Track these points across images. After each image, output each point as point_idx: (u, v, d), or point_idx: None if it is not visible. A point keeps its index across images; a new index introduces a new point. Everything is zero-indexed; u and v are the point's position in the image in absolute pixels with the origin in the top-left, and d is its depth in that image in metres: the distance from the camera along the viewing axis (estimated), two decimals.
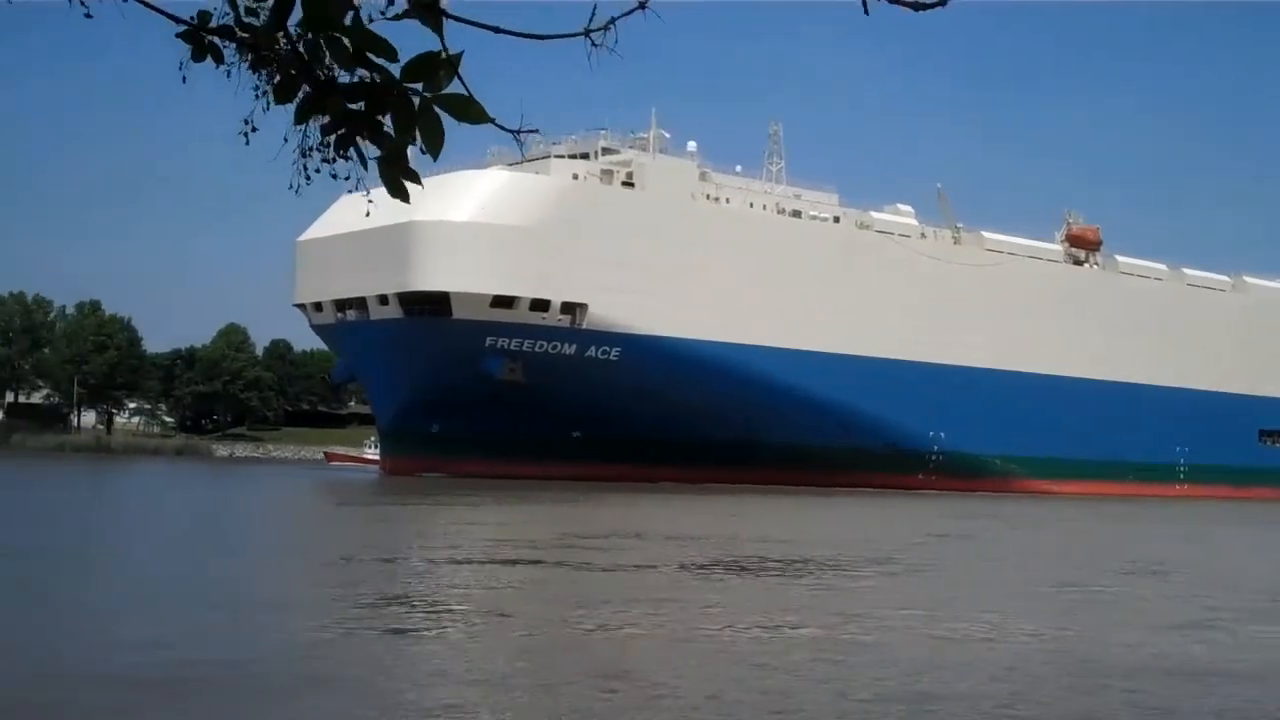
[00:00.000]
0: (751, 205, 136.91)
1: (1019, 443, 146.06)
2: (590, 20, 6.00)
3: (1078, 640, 29.69)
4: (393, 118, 5.82)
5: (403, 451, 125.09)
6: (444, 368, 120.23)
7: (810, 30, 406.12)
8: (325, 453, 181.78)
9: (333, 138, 5.94)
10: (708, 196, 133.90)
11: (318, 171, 6.05)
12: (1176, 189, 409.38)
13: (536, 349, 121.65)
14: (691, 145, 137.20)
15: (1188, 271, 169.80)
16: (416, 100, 5.78)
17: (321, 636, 25.79)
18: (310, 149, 5.99)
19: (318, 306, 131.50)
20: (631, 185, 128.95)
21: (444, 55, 5.73)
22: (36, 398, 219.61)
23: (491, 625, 29.11)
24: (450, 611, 31.15)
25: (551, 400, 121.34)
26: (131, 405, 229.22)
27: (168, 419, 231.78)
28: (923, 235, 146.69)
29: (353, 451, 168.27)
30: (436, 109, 5.79)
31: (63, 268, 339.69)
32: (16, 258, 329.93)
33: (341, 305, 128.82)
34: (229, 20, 5.96)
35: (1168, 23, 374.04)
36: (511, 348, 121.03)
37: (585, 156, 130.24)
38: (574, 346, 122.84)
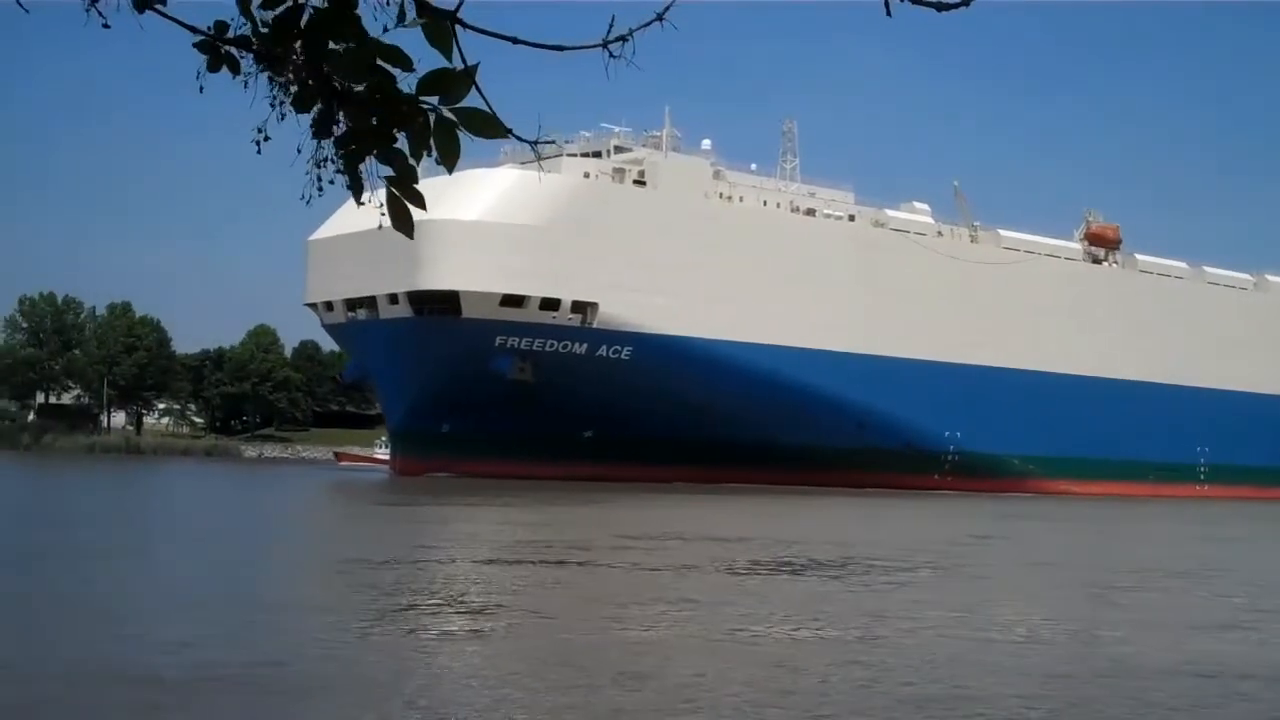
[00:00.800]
0: (765, 204, 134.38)
1: (1036, 442, 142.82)
2: (609, 32, 5.90)
3: (1121, 643, 29.13)
4: (408, 133, 5.73)
5: (413, 451, 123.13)
6: (454, 367, 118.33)
7: (827, 29, 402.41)
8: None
9: (343, 151, 5.83)
10: (721, 195, 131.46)
11: (331, 183, 5.96)
12: (1197, 188, 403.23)
13: (546, 348, 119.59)
14: (706, 143, 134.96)
15: (1208, 270, 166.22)
16: (432, 115, 5.70)
17: (355, 638, 25.69)
18: (324, 160, 5.88)
19: (328, 306, 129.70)
20: (643, 184, 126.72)
21: (461, 68, 5.64)
22: (67, 398, 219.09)
23: (529, 625, 28.80)
24: (486, 612, 30.78)
25: (562, 400, 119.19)
26: (161, 406, 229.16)
27: (197, 420, 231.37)
28: (939, 234, 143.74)
29: (363, 451, 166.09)
30: (453, 123, 5.72)
31: (93, 269, 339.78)
32: (48, 258, 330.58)
33: (352, 305, 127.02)
34: (246, 30, 5.86)
35: (1188, 21, 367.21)
36: (521, 347, 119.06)
37: (598, 155, 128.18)
38: (584, 346, 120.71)
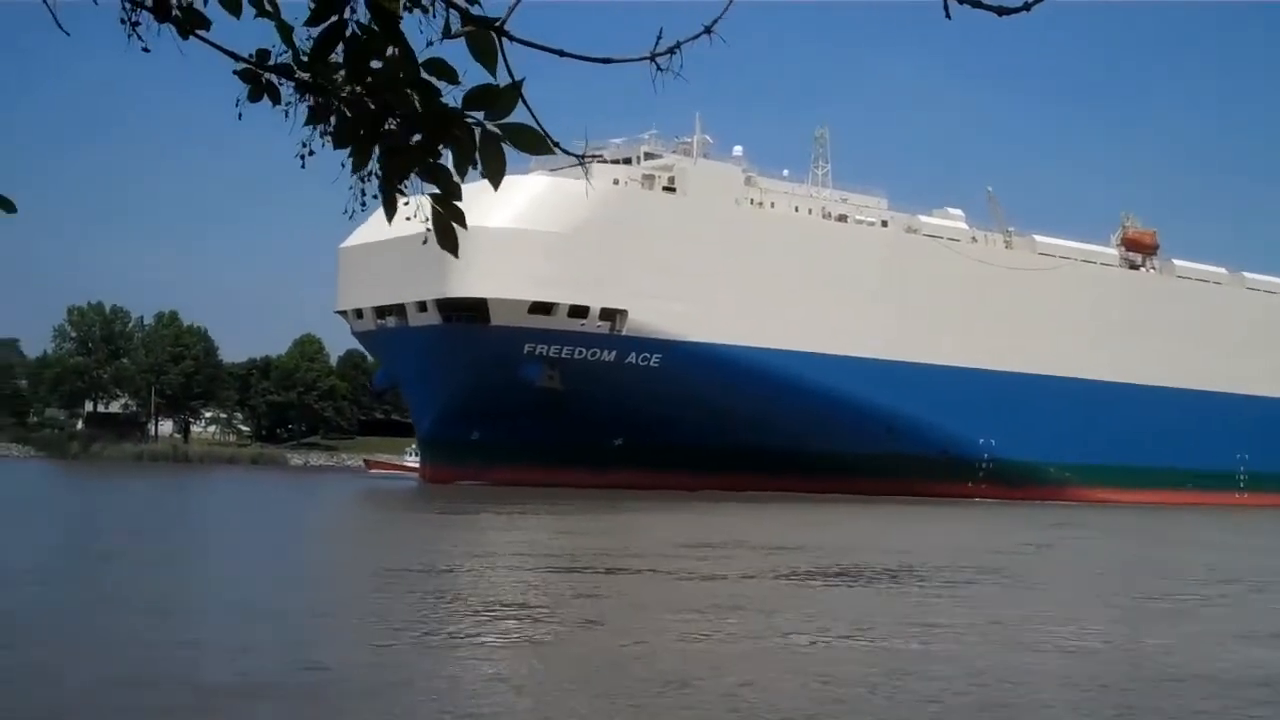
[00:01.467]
0: (797, 210, 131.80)
1: (1073, 450, 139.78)
2: (656, 44, 5.87)
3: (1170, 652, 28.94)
4: (453, 149, 5.68)
5: (442, 459, 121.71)
6: (482, 375, 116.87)
7: (862, 36, 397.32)
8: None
9: (384, 169, 5.78)
10: (752, 201, 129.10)
11: (375, 197, 5.92)
12: (1236, 194, 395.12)
13: (575, 356, 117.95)
14: (738, 150, 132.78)
15: (1248, 275, 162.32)
16: (478, 131, 5.60)
17: (403, 645, 25.88)
18: (369, 175, 5.80)
19: (358, 313, 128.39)
20: (673, 190, 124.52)
21: (507, 82, 5.58)
22: (115, 407, 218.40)
23: (581, 632, 28.78)
24: (537, 619, 30.78)
25: (591, 407, 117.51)
26: (208, 414, 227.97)
27: (243, 428, 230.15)
28: (973, 239, 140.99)
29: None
30: (499, 138, 5.64)
31: (141, 278, 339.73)
32: (96, 268, 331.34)
33: (381, 312, 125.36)
34: (287, 59, 5.86)
35: (1227, 24, 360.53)
36: (550, 354, 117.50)
37: (628, 161, 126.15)
38: (613, 353, 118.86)
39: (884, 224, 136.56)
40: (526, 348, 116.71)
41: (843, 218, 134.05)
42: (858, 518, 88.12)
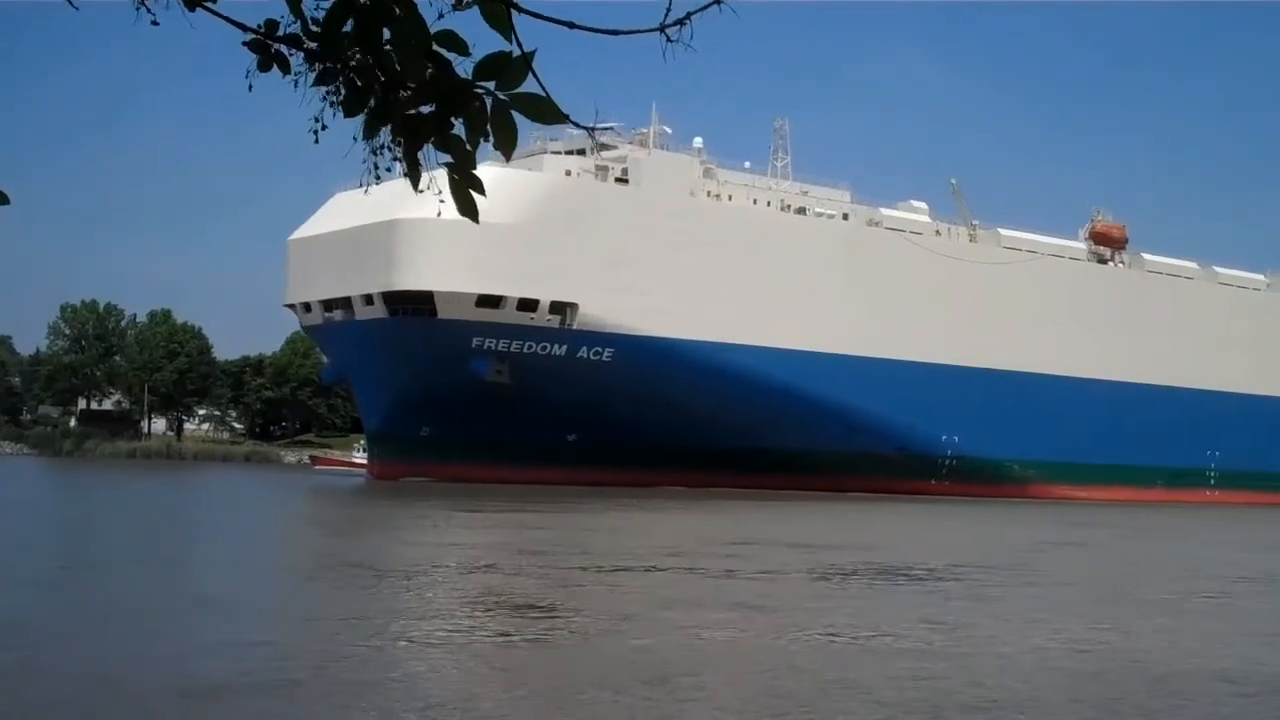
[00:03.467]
0: (755, 202, 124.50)
1: (1039, 447, 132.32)
2: (665, 16, 5.70)
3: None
4: (465, 120, 5.61)
5: (391, 455, 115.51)
6: (430, 369, 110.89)
7: (827, 29, 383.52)
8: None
9: (401, 140, 5.70)
10: (709, 193, 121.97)
11: (389, 170, 5.80)
12: (1210, 189, 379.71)
13: (524, 350, 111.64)
14: (698, 141, 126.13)
15: (1219, 270, 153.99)
16: (489, 100, 5.56)
17: (389, 644, 25.29)
18: (380, 148, 5.71)
19: (306, 307, 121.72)
20: (626, 182, 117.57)
21: (518, 53, 5.51)
22: (108, 404, 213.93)
23: (557, 634, 27.45)
24: (569, 617, 29.79)
25: (542, 403, 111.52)
26: (201, 412, 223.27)
27: (237, 425, 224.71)
28: (937, 233, 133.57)
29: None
30: (510, 107, 5.60)
31: (136, 276, 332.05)
32: (89, 267, 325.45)
33: (329, 305, 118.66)
34: (296, 29, 5.73)
35: (1201, 20, 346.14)
36: (499, 349, 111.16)
37: (582, 153, 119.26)
38: (564, 347, 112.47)
39: (845, 217, 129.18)
40: (475, 342, 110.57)
41: (802, 210, 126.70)
42: (829, 515, 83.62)
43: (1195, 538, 79.26)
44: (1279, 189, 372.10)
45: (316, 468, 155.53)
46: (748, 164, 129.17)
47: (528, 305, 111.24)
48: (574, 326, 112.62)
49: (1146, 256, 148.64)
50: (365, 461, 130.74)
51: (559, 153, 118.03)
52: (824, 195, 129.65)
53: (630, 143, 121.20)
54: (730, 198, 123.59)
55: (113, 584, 35.97)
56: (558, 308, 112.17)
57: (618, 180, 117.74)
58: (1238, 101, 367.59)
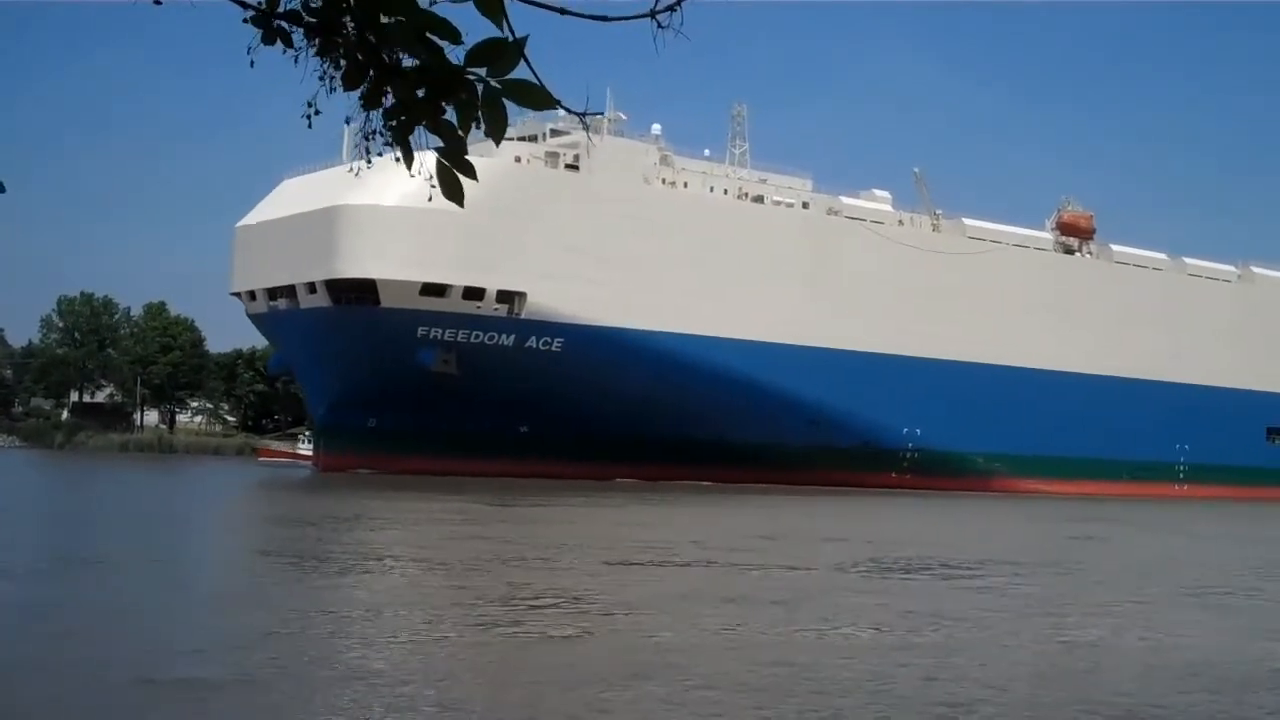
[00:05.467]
0: (712, 190, 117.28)
1: (1003, 440, 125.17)
2: (656, 3, 5.56)
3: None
4: (456, 105, 5.45)
5: (337, 447, 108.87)
6: (375, 359, 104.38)
7: (795, 17, 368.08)
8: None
9: (393, 122, 5.57)
10: (664, 181, 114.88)
11: (380, 154, 5.82)
12: (1181, 180, 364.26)
13: (471, 339, 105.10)
14: (656, 128, 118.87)
15: (1189, 261, 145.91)
16: (480, 86, 5.42)
17: (403, 638, 24.45)
18: (373, 133, 5.59)
19: (252, 295, 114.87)
20: (576, 168, 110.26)
21: (510, 39, 5.32)
22: (100, 397, 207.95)
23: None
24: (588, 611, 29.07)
25: (490, 393, 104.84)
26: (194, 404, 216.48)
27: (229, 418, 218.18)
28: (900, 222, 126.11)
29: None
30: (501, 94, 5.47)
31: (130, 270, 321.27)
32: (84, 260, 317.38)
33: (274, 294, 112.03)
34: (296, 6, 5.61)
35: (1169, 11, 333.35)
36: (445, 338, 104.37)
37: (534, 139, 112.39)
38: (512, 337, 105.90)
39: (805, 206, 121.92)
40: (420, 331, 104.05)
41: (759, 199, 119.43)
42: (797, 510, 78.84)
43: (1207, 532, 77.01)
44: (1251, 179, 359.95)
45: (260, 459, 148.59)
46: (707, 152, 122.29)
47: (474, 294, 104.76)
48: (522, 316, 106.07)
49: (1115, 247, 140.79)
50: (310, 453, 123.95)
51: (510, 139, 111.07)
52: (785, 184, 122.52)
53: (583, 129, 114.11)
54: (686, 185, 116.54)
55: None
56: (505, 296, 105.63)
57: (568, 167, 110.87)
58: (1208, 92, 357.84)
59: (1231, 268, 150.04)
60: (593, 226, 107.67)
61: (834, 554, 46.24)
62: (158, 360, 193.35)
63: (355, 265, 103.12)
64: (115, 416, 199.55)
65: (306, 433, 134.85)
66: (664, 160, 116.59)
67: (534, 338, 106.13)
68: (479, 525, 56.98)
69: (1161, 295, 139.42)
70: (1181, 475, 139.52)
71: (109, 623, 26.33)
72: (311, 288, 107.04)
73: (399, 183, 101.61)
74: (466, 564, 38.66)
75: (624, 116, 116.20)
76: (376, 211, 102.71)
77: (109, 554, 40.73)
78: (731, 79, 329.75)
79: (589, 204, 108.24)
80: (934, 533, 66.30)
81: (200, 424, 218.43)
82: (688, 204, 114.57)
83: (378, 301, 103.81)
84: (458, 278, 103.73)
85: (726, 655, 23.67)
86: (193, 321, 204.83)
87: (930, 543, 55.49)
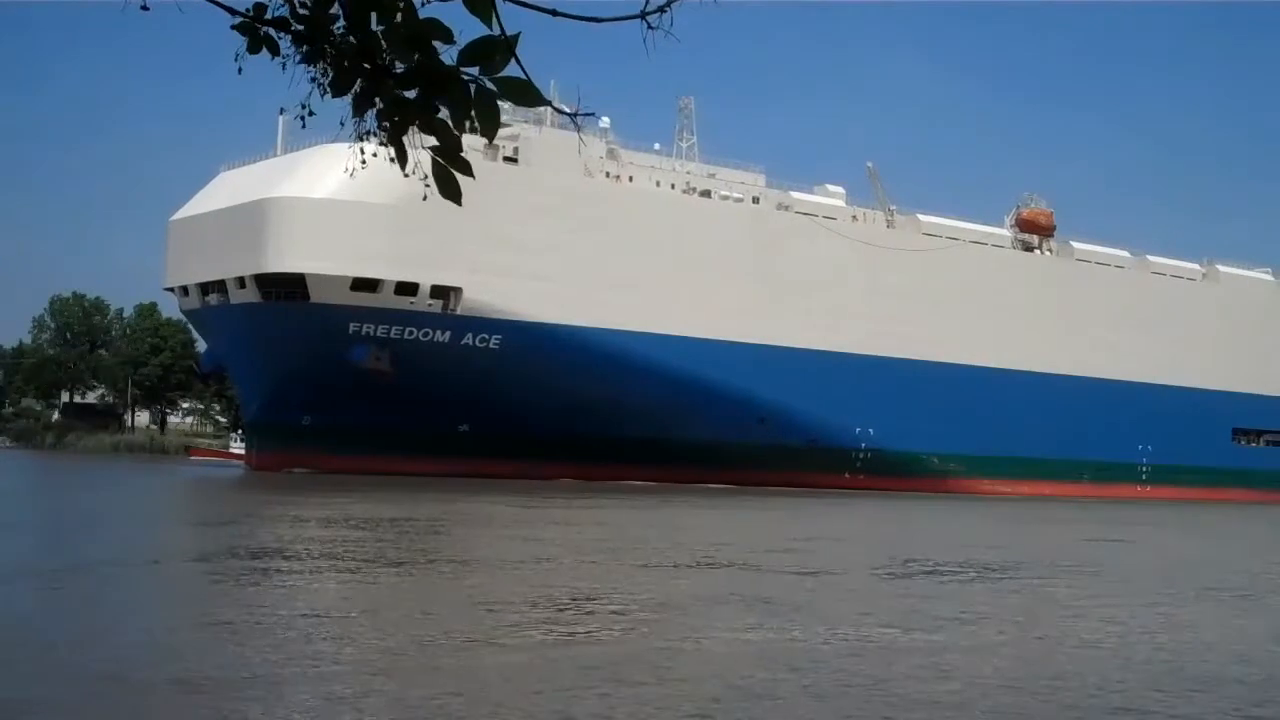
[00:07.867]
0: (659, 184, 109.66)
1: (959, 440, 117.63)
2: (646, 4, 5.43)
3: None
4: (449, 104, 5.34)
5: (270, 445, 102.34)
6: (307, 356, 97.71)
7: (750, 12, 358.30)
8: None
9: (387, 124, 5.48)
10: (609, 174, 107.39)
11: (374, 155, 5.76)
12: (1144, 179, 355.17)
13: (406, 336, 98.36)
14: (605, 121, 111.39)
15: (1153, 259, 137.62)
16: (472, 86, 5.30)
17: (405, 644, 22.51)
18: (367, 133, 5.54)
19: (184, 290, 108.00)
20: (515, 161, 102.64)
21: (501, 37, 5.18)
22: (91, 398, 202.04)
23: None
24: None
25: (427, 392, 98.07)
26: (185, 405, 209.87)
27: (220, 419, 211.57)
28: (853, 218, 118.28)
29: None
30: (493, 92, 5.34)
31: (121, 271, 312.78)
32: (75, 261, 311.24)
33: (206, 289, 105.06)
34: (284, 12, 5.50)
35: (1135, 6, 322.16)
36: (378, 335, 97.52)
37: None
38: (447, 334, 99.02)
39: (755, 200, 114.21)
40: (352, 327, 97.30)
41: (706, 193, 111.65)
42: (751, 513, 72.63)
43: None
44: (1215, 177, 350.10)
45: (192, 457, 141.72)
46: (658, 146, 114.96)
47: (407, 289, 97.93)
48: (458, 312, 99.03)
49: (1076, 245, 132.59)
50: (242, 452, 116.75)
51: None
52: (736, 178, 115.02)
53: (527, 121, 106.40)
54: (632, 179, 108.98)
55: None
56: (439, 292, 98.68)
57: (506, 159, 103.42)
58: (1173, 89, 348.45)
59: (1196, 266, 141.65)
60: (531, 220, 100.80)
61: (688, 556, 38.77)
62: (149, 361, 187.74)
63: (283, 260, 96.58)
64: (106, 417, 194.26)
65: (238, 431, 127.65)
66: (610, 154, 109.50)
67: (471, 334, 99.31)
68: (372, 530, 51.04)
69: (1124, 293, 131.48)
70: (1144, 476, 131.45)
71: None
72: (241, 283, 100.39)
73: (331, 176, 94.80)
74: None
75: (567, 109, 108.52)
76: (306, 204, 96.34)
77: None
78: (687, 74, 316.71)
79: (527, 197, 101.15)
80: (877, 532, 61.70)
81: (191, 425, 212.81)
82: (631, 197, 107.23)
83: (308, 297, 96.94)
84: (390, 272, 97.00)
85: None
86: (184, 323, 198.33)
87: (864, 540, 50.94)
